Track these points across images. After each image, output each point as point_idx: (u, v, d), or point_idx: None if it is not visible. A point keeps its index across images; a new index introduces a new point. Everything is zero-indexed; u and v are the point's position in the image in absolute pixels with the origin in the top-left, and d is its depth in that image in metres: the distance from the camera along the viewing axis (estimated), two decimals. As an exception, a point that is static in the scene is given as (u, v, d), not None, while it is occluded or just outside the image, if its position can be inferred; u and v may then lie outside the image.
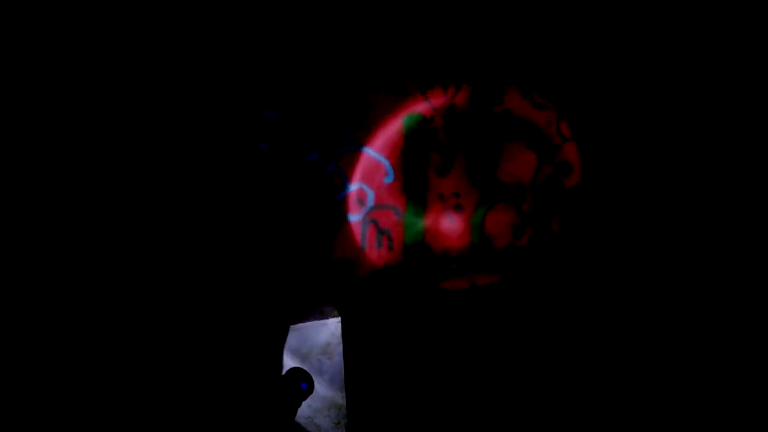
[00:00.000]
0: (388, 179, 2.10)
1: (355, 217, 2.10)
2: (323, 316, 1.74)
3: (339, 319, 1.76)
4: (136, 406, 1.72)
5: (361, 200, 2.11)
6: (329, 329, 1.74)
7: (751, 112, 2.07)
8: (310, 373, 1.77)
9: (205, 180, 1.92)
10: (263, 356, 1.73)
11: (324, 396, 1.74)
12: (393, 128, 2.09)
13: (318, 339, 1.73)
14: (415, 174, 2.10)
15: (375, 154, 2.10)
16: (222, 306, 1.91)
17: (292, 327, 1.75)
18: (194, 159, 1.91)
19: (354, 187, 2.11)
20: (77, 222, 1.79)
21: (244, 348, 1.73)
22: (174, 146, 1.88)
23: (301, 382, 1.66)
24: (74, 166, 1.78)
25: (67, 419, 1.69)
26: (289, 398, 1.65)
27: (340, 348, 1.75)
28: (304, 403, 1.76)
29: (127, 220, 1.85)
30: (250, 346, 1.73)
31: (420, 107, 2.08)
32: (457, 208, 2.09)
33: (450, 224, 2.11)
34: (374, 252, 2.11)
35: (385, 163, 2.10)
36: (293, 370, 1.69)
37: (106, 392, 1.71)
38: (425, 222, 2.11)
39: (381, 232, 2.12)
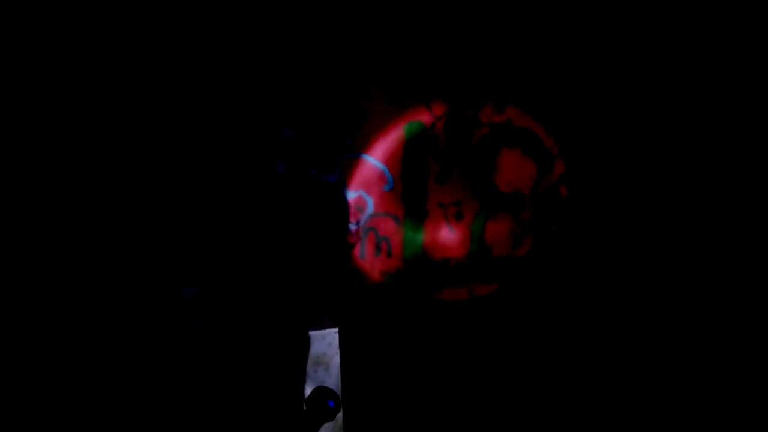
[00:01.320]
0: (388, 187, 2.09)
1: (353, 224, 2.09)
2: (320, 326, 1.74)
3: (336, 329, 1.76)
4: (144, 420, 1.72)
5: (360, 208, 2.10)
6: (326, 339, 1.73)
7: (745, 116, 2.05)
8: (306, 383, 1.76)
9: (210, 196, 1.92)
10: (262, 365, 1.73)
11: (320, 407, 1.74)
12: (393, 136, 2.08)
13: (314, 349, 1.73)
14: (415, 182, 2.09)
15: (375, 161, 2.09)
16: (220, 314, 1.91)
17: (289, 336, 1.75)
18: (201, 176, 1.91)
19: (353, 194, 2.10)
20: (86, 246, 1.79)
21: (243, 357, 1.72)
22: (182, 163, 1.88)
23: (328, 401, 1.65)
24: (84, 189, 1.78)
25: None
26: (317, 418, 1.64)
27: (337, 359, 1.74)
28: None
29: (135, 247, 1.84)
30: (249, 355, 1.73)
31: (421, 115, 2.07)
32: (457, 216, 2.08)
33: (449, 232, 2.10)
34: (372, 260, 2.10)
35: (385, 171, 2.09)
36: (319, 389, 1.67)
37: (112, 407, 1.71)
38: (425, 230, 2.10)
39: (380, 239, 2.11)
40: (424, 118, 2.07)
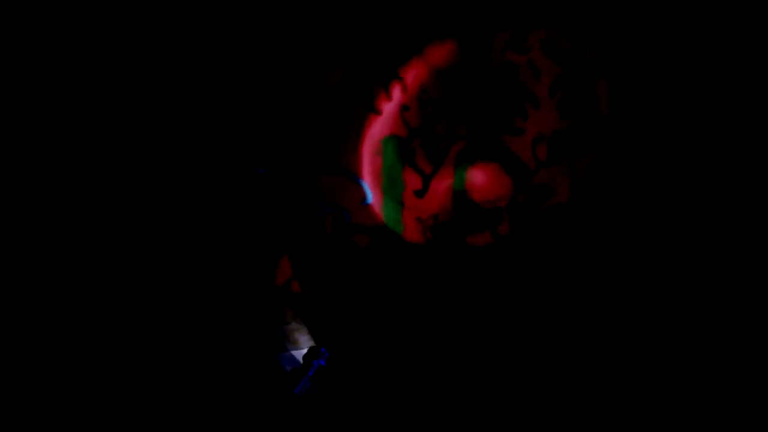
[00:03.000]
0: (366, 201, 2.10)
1: (331, 238, 2.11)
2: (295, 345, 1.76)
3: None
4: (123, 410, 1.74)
5: (338, 221, 2.11)
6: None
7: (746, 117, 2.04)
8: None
9: (183, 196, 1.92)
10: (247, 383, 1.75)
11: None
12: (371, 150, 2.08)
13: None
14: (393, 196, 2.10)
15: (353, 175, 2.10)
16: (203, 332, 1.93)
17: (275, 356, 1.77)
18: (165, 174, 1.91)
19: (331, 208, 2.12)
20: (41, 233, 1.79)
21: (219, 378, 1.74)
22: (154, 157, 1.87)
23: (317, 360, 1.66)
24: (41, 178, 1.78)
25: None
26: (301, 372, 1.65)
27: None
28: None
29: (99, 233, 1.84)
30: (231, 375, 1.75)
31: (398, 129, 2.07)
32: (435, 230, 2.10)
33: (426, 244, 2.11)
34: (351, 274, 2.12)
35: (363, 185, 2.10)
36: (313, 349, 1.69)
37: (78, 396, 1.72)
38: (402, 243, 2.12)
39: (357, 251, 2.12)
40: (402, 131, 2.07)
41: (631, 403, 2.08)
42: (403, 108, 2.05)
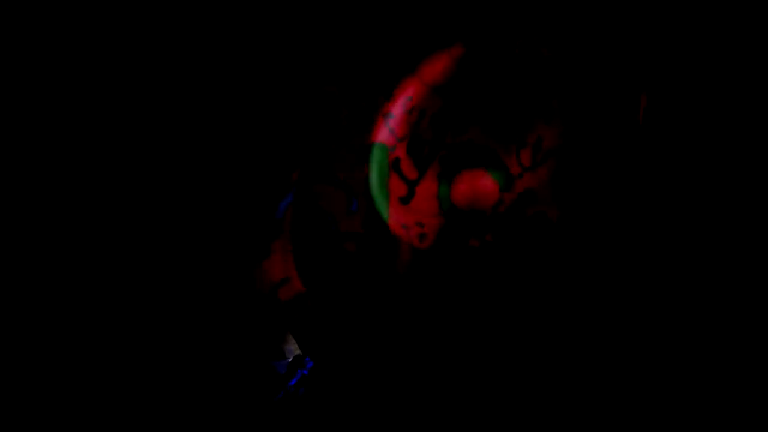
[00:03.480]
0: (352, 208, 2.12)
1: (320, 246, 2.13)
2: (286, 355, 1.78)
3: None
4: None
5: (327, 229, 2.13)
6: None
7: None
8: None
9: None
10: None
11: None
12: (356, 158, 2.10)
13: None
14: (379, 203, 2.11)
15: (341, 183, 2.12)
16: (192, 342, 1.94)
17: (271, 364, 1.79)
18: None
19: (320, 214, 2.14)
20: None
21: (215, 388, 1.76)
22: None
23: (301, 369, 1.68)
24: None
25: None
26: (284, 380, 1.67)
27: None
28: None
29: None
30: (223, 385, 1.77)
31: (383, 137, 2.08)
32: (421, 237, 2.11)
33: (411, 253, 2.13)
34: (339, 281, 2.14)
35: (349, 193, 2.11)
36: (297, 357, 1.71)
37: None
38: (387, 250, 2.13)
39: (346, 260, 2.14)
40: (387, 139, 2.08)
41: (609, 409, 2.11)
42: (388, 115, 2.06)
